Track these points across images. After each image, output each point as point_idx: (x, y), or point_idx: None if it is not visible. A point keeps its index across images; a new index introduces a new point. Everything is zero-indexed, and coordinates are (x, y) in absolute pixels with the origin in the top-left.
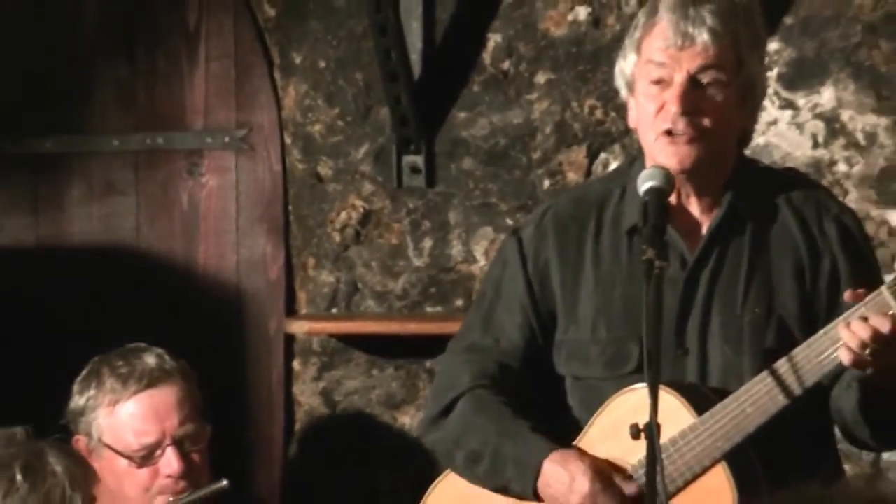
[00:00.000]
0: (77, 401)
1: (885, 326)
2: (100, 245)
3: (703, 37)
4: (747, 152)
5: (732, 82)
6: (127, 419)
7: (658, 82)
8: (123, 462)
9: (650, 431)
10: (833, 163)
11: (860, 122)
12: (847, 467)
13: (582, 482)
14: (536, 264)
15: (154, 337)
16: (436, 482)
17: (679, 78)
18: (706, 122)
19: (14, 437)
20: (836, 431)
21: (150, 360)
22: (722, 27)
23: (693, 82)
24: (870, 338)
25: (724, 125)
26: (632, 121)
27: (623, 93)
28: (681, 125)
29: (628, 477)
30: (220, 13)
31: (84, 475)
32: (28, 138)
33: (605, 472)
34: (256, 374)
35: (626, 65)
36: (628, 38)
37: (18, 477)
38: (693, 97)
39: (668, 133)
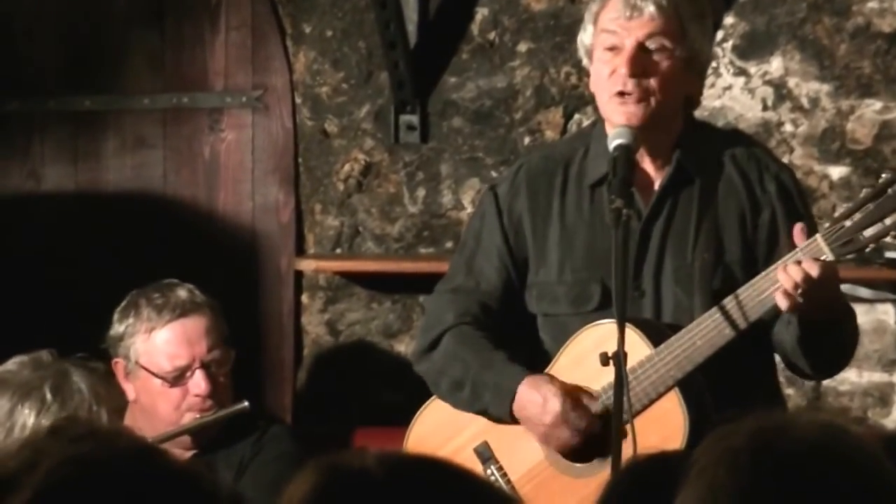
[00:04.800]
0: (117, 328)
1: (813, 270)
2: (131, 192)
3: (649, 8)
4: (705, 113)
5: (676, 49)
6: (161, 344)
7: (611, 49)
8: (157, 382)
9: (618, 358)
10: (781, 124)
11: (805, 88)
12: (790, 392)
13: (554, 403)
14: (511, 216)
15: (178, 273)
16: (422, 408)
17: (629, 44)
18: (653, 83)
19: (41, 360)
20: (778, 361)
21: (183, 293)
22: (666, 0)
23: (641, 48)
24: (802, 280)
25: (669, 87)
26: (591, 86)
27: (584, 61)
28: (630, 85)
29: (593, 397)
30: None
31: (107, 390)
32: (69, 97)
33: (573, 393)
34: (269, 306)
35: (585, 36)
36: (587, 12)
37: (49, 396)
38: (641, 61)
39: (620, 94)
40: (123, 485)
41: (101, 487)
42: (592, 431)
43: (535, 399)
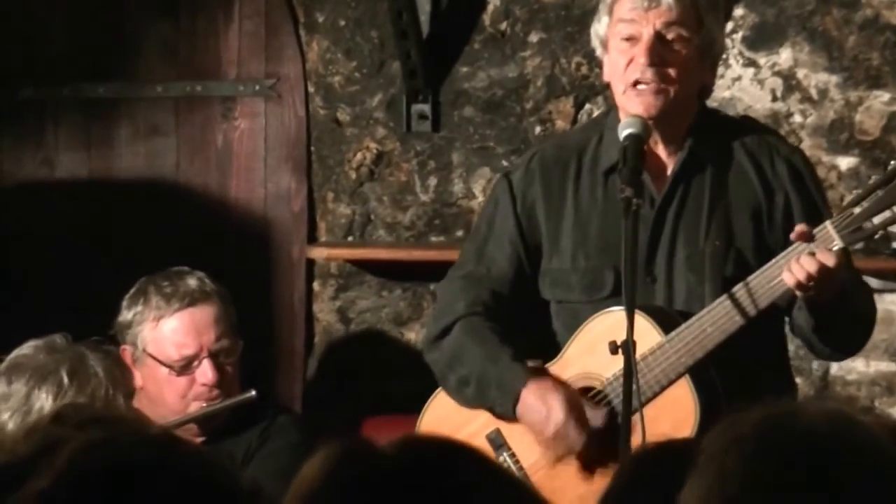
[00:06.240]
0: (125, 315)
1: (828, 260)
2: (144, 180)
3: None
4: (716, 104)
5: (693, 39)
6: (169, 333)
7: (628, 39)
8: (164, 370)
9: (627, 348)
10: (790, 115)
11: (814, 79)
12: (799, 380)
13: (557, 414)
14: (524, 203)
15: (191, 261)
16: (433, 395)
17: (647, 34)
18: (671, 72)
19: (55, 344)
20: (790, 348)
21: (192, 281)
22: None
23: (659, 37)
24: (815, 270)
25: (686, 76)
26: (606, 75)
27: (598, 51)
28: (648, 75)
29: (598, 404)
30: None
31: (122, 374)
32: (83, 85)
33: (578, 406)
34: (281, 294)
35: (599, 26)
36: (601, 2)
37: (66, 380)
38: (659, 50)
39: (637, 84)
40: (146, 472)
41: (124, 474)
42: (595, 440)
43: (540, 408)
